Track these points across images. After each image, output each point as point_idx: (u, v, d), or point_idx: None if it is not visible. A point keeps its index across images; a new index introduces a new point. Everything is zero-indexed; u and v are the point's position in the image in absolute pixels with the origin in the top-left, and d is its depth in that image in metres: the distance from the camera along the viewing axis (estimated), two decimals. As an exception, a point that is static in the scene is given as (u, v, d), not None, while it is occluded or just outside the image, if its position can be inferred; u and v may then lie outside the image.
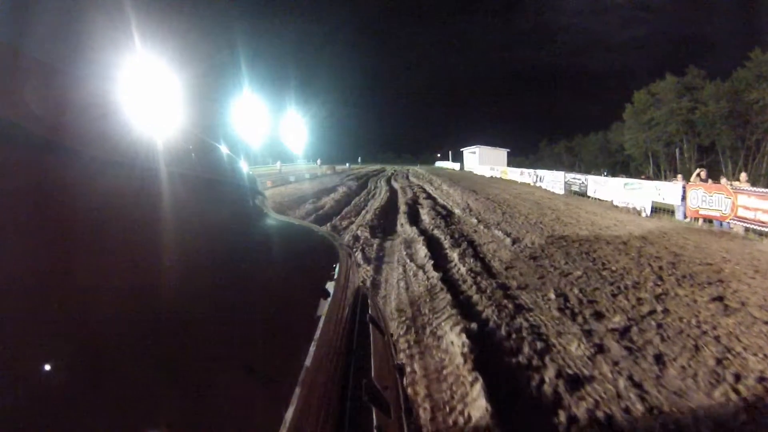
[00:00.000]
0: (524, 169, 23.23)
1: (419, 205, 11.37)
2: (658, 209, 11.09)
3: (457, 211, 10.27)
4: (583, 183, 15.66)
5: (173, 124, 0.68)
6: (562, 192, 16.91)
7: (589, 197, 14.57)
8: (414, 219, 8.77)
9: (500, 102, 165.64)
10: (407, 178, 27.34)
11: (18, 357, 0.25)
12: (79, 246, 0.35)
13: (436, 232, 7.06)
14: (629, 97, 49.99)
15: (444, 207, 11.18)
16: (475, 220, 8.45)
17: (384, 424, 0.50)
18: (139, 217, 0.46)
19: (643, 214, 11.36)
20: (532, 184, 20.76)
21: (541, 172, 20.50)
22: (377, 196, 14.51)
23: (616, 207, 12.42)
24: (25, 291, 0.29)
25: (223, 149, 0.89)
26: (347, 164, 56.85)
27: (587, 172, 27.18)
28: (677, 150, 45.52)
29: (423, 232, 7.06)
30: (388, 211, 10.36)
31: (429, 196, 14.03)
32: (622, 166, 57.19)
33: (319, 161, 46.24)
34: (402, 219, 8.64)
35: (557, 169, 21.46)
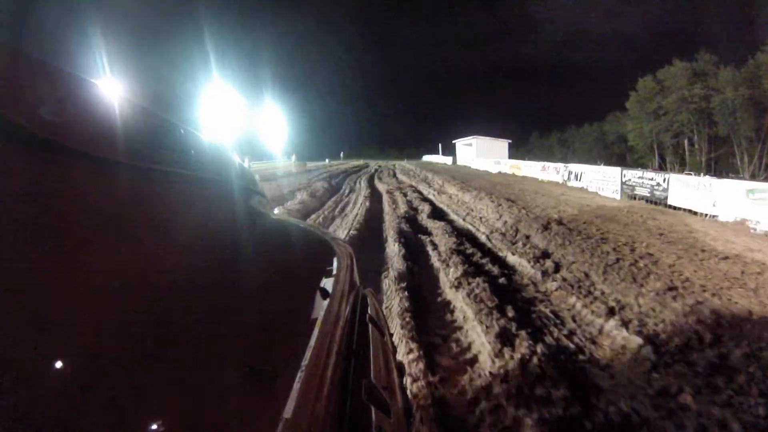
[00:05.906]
0: (548, 163, 17.87)
1: (426, 236, 5.84)
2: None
3: (530, 271, 4.74)
4: (658, 185, 10.42)
5: (174, 123, 0.65)
6: (618, 197, 11.73)
7: (681, 210, 9.36)
8: (429, 347, 3.27)
9: (487, 94, 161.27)
10: (395, 176, 21.85)
11: (21, 357, 0.26)
12: (79, 246, 0.35)
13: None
14: (624, 88, 45.59)
15: (480, 247, 5.67)
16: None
17: (384, 424, 0.49)
18: (138, 217, 0.46)
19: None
20: (561, 183, 15.52)
21: (575, 167, 15.24)
22: (350, 209, 8.92)
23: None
24: (27, 291, 0.29)
25: (223, 148, 0.83)
26: (326, 160, 50.75)
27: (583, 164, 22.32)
28: (687, 141, 41.73)
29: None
30: (363, 255, 4.85)
31: (435, 211, 8.52)
32: (619, 158, 53.49)
33: (293, 157, 40.00)
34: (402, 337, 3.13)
35: (551, 160, 16.50)
